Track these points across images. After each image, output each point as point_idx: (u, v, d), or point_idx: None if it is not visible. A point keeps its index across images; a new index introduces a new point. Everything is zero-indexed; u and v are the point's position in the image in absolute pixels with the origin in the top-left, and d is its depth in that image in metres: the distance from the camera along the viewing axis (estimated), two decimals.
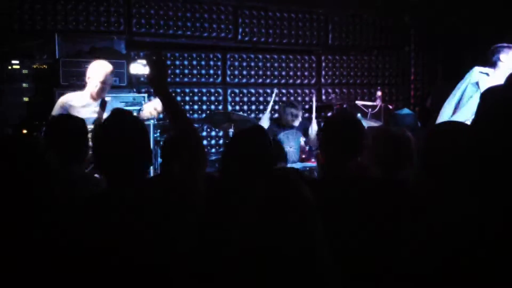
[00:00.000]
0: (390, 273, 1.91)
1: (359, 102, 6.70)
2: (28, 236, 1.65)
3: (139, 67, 4.91)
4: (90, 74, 4.33)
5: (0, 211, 1.65)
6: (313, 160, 6.16)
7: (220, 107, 6.94)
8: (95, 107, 4.17)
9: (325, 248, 1.73)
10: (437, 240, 1.78)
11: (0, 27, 5.44)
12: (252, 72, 7.10)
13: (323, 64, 7.50)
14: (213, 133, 6.92)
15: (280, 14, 7.12)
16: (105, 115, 3.90)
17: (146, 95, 5.79)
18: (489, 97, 2.22)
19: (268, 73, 7.18)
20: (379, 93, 6.52)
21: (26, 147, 1.76)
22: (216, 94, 6.91)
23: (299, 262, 1.64)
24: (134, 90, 5.53)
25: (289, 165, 5.68)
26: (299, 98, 7.35)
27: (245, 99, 7.09)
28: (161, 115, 5.75)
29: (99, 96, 4.29)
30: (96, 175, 3.00)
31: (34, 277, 1.63)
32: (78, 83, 5.23)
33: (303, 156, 6.28)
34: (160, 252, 1.88)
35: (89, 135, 2.97)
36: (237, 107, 7.04)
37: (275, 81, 7.22)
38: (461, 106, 4.45)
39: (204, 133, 6.83)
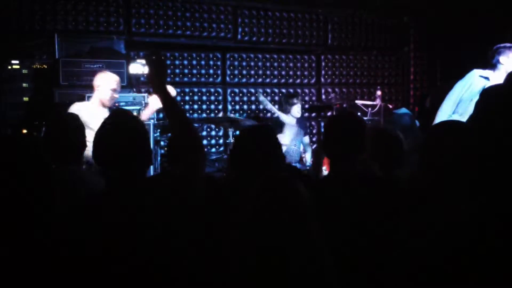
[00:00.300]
0: (391, 272, 1.91)
1: (359, 102, 6.70)
2: (28, 236, 1.65)
3: (139, 67, 4.92)
4: (99, 83, 4.39)
5: (0, 211, 1.65)
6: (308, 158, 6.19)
7: (220, 106, 6.94)
8: (105, 113, 4.15)
9: (323, 247, 1.73)
10: (436, 239, 1.78)
11: (0, 27, 5.44)
12: (252, 72, 7.10)
13: (323, 63, 7.51)
14: (213, 133, 6.92)
15: (279, 14, 7.12)
16: None
17: (146, 94, 5.79)
18: (489, 96, 2.22)
19: (268, 72, 7.18)
20: (378, 93, 6.51)
21: (26, 147, 1.76)
22: (216, 94, 6.92)
23: (298, 262, 1.64)
24: (134, 90, 5.53)
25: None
26: None
27: (245, 98, 7.09)
28: (161, 115, 5.77)
29: (110, 104, 4.39)
30: (96, 175, 3.00)
31: (35, 278, 1.62)
32: (78, 83, 5.25)
33: (302, 156, 6.29)
34: (160, 252, 1.88)
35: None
36: (237, 107, 7.04)
37: (275, 80, 7.23)
38: (461, 108, 4.43)
39: (204, 133, 6.84)
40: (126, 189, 1.97)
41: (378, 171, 2.64)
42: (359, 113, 6.34)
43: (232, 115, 6.58)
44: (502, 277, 1.62)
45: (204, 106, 6.87)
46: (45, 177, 1.75)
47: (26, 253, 1.63)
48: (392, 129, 2.92)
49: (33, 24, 5.66)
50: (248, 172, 2.29)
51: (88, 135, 2.84)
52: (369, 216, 2.22)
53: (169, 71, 6.48)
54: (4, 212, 1.64)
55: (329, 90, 7.55)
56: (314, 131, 7.48)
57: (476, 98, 4.02)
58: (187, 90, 6.75)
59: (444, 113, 4.50)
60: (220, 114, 6.92)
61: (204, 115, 6.84)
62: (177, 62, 6.66)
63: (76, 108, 4.17)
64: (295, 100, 6.08)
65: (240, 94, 7.06)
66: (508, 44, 4.38)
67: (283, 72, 7.28)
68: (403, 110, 5.61)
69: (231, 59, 6.98)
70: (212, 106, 6.90)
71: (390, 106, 6.50)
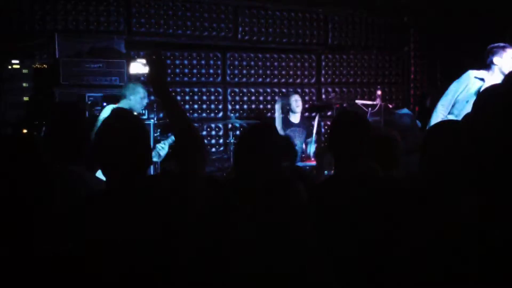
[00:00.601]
0: (392, 272, 1.91)
1: (358, 101, 6.70)
2: (28, 236, 1.65)
3: (139, 67, 4.94)
4: (133, 93, 4.87)
5: (0, 212, 1.65)
6: (313, 159, 6.19)
7: (220, 106, 6.94)
8: None
9: (315, 248, 1.73)
10: (437, 239, 1.79)
11: (0, 27, 5.44)
12: (252, 72, 7.10)
13: (323, 63, 7.51)
14: (213, 133, 6.92)
15: (280, 13, 7.12)
16: None
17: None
18: (487, 96, 2.22)
19: (268, 72, 7.18)
20: (379, 92, 6.52)
21: (26, 146, 1.76)
22: (216, 94, 6.92)
23: (290, 262, 1.65)
24: None
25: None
26: None
27: (245, 98, 7.09)
28: (161, 114, 5.77)
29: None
30: (96, 175, 3.00)
31: (34, 278, 1.63)
32: (78, 83, 5.26)
33: (303, 155, 6.30)
34: (160, 252, 1.88)
35: None
36: (237, 106, 7.04)
37: (275, 80, 7.23)
38: (457, 110, 4.43)
39: (204, 133, 6.84)
40: (126, 189, 1.97)
41: (378, 171, 2.64)
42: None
43: (232, 115, 6.59)
44: (502, 277, 1.62)
45: (204, 106, 6.86)
46: (45, 177, 1.75)
47: (25, 253, 1.63)
48: (391, 129, 2.92)
49: (33, 24, 5.66)
50: (248, 172, 2.29)
51: None
52: (370, 216, 2.22)
53: (169, 70, 6.48)
54: (4, 212, 1.65)
55: (329, 89, 7.54)
56: (315, 131, 7.47)
57: (472, 99, 4.04)
58: (187, 89, 6.75)
59: (439, 114, 4.50)
60: (220, 114, 6.92)
61: (204, 114, 6.84)
62: (177, 62, 6.66)
63: (108, 111, 4.46)
64: (291, 93, 6.16)
65: (240, 94, 7.06)
66: (501, 44, 4.36)
67: (283, 72, 7.27)
68: (405, 110, 5.61)
69: (231, 58, 6.98)
70: (212, 106, 6.90)
71: (390, 106, 6.51)
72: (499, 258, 1.62)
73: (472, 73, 4.48)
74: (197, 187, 2.10)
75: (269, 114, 7.12)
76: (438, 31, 7.37)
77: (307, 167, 5.95)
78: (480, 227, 1.71)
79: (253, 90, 7.12)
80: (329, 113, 7.38)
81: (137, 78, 5.40)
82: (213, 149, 6.87)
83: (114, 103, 4.88)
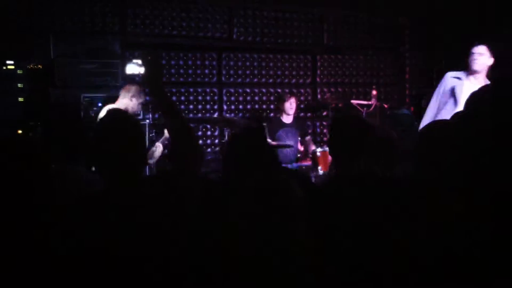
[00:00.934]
0: (392, 271, 1.92)
1: (354, 101, 6.71)
2: (27, 236, 1.65)
3: (135, 67, 4.93)
4: (135, 94, 4.92)
5: (0, 211, 1.65)
6: (309, 159, 6.20)
7: (216, 106, 6.94)
8: None
9: (311, 248, 1.73)
10: (434, 238, 1.79)
11: None
12: (248, 72, 7.09)
13: (319, 63, 7.51)
14: (209, 133, 6.91)
15: (275, 13, 7.12)
16: None
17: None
18: (478, 96, 2.24)
19: (264, 72, 7.18)
20: (374, 93, 6.53)
21: (26, 147, 1.76)
22: (212, 94, 6.91)
23: (284, 262, 1.65)
24: None
25: (286, 165, 5.71)
26: None
27: (241, 98, 7.09)
28: (156, 115, 5.76)
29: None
30: (95, 175, 3.00)
31: (34, 277, 1.62)
32: (73, 84, 5.25)
33: (298, 155, 6.31)
34: (159, 251, 1.88)
35: None
36: (233, 107, 7.04)
37: (271, 80, 7.23)
38: (439, 113, 4.48)
39: (200, 133, 6.83)
40: (123, 189, 1.97)
41: (377, 171, 2.65)
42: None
43: (227, 115, 6.60)
44: (500, 276, 1.63)
45: (200, 106, 6.86)
46: (44, 177, 1.75)
47: (25, 253, 1.63)
48: (390, 130, 2.93)
49: (28, 24, 5.64)
50: (239, 174, 2.29)
51: None
52: (370, 216, 2.23)
53: (164, 71, 6.47)
54: (4, 212, 1.64)
55: (325, 90, 7.55)
56: (310, 131, 7.48)
57: (451, 99, 4.10)
58: (182, 90, 6.74)
59: (427, 118, 4.55)
60: (216, 114, 6.92)
61: (200, 115, 6.83)
62: (172, 62, 6.65)
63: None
64: (285, 97, 6.17)
65: (236, 94, 7.06)
66: (479, 41, 4.42)
67: (279, 72, 7.27)
68: (404, 110, 5.63)
69: (227, 59, 6.97)
70: (208, 106, 6.90)
71: (386, 106, 6.52)
72: (497, 258, 1.63)
73: (449, 74, 4.57)
74: (194, 187, 2.10)
75: (264, 114, 7.12)
76: (434, 31, 7.39)
77: (303, 167, 5.96)
78: (474, 226, 1.72)
79: (248, 90, 7.12)
80: (324, 113, 7.39)
81: (132, 79, 5.39)
82: (209, 150, 6.87)
83: (112, 103, 4.89)
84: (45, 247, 1.68)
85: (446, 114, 4.19)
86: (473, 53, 4.40)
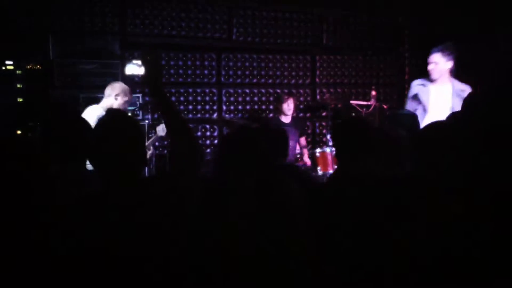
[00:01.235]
0: (393, 271, 1.92)
1: (353, 102, 6.71)
2: (26, 237, 1.65)
3: (134, 68, 4.92)
4: (120, 92, 4.64)
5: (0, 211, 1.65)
6: (306, 159, 6.21)
7: (215, 107, 6.94)
8: None
9: (312, 247, 1.73)
10: (434, 238, 1.79)
11: None
12: (247, 72, 7.10)
13: (318, 64, 7.51)
14: (208, 133, 6.91)
15: (274, 14, 7.12)
16: None
17: (140, 95, 5.79)
18: (476, 97, 2.25)
19: (263, 73, 7.18)
20: (373, 93, 6.53)
21: (25, 147, 1.75)
22: (211, 94, 6.91)
23: (284, 260, 1.65)
24: None
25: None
26: None
27: (240, 99, 7.09)
28: (155, 115, 5.76)
29: None
30: (95, 175, 2.99)
31: (33, 278, 1.62)
32: (73, 84, 5.24)
33: (297, 155, 6.31)
34: (159, 251, 1.88)
35: None
36: (232, 107, 7.04)
37: (270, 81, 7.23)
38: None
39: (199, 133, 6.83)
40: (123, 189, 1.97)
41: (378, 171, 2.65)
42: (353, 114, 6.38)
43: (227, 115, 6.60)
44: (499, 276, 1.63)
45: (199, 107, 6.86)
46: (43, 177, 1.75)
47: (25, 253, 1.63)
48: (393, 129, 2.92)
49: (27, 24, 5.63)
50: (230, 174, 2.28)
51: None
52: (371, 216, 2.23)
53: (163, 71, 6.47)
54: (3, 212, 1.64)
55: (324, 90, 7.55)
56: (309, 131, 7.48)
57: (419, 105, 4.26)
58: (182, 90, 6.74)
59: None
60: (215, 115, 6.92)
61: (199, 115, 6.83)
62: (172, 63, 6.65)
63: (98, 110, 4.41)
64: (283, 98, 6.19)
65: (235, 95, 7.06)
66: (438, 48, 4.62)
67: (278, 73, 7.27)
68: (405, 110, 5.63)
69: (226, 59, 6.97)
70: (207, 107, 6.90)
71: (385, 107, 6.52)
72: (496, 258, 1.63)
73: (415, 82, 4.82)
74: (194, 188, 2.10)
75: (263, 115, 7.12)
76: (434, 31, 7.38)
77: (302, 167, 5.96)
78: (474, 226, 1.72)
79: (247, 91, 7.12)
80: (323, 114, 7.39)
81: (131, 79, 5.38)
82: (208, 150, 6.86)
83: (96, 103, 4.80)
84: (45, 247, 1.68)
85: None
86: (429, 62, 4.63)
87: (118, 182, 1.98)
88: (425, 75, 4.80)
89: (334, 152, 5.42)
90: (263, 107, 7.20)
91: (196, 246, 1.95)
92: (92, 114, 4.29)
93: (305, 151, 6.30)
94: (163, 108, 2.20)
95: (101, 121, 2.09)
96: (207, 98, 6.89)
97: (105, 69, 5.47)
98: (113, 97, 4.62)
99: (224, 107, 6.99)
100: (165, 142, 6.27)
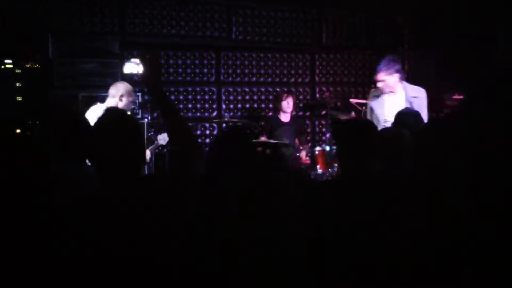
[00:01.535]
0: (393, 271, 1.92)
1: (353, 100, 6.72)
2: (27, 236, 1.65)
3: (133, 67, 4.91)
4: (124, 93, 4.63)
5: (0, 211, 1.65)
6: (304, 158, 6.20)
7: (214, 106, 6.94)
8: None
9: (304, 247, 1.74)
10: (434, 238, 1.80)
11: None
12: (246, 71, 7.10)
13: (317, 62, 7.51)
14: (207, 132, 6.91)
15: (274, 12, 7.11)
16: None
17: (139, 94, 5.78)
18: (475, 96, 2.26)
19: (262, 71, 7.18)
20: None
21: (24, 146, 1.76)
22: (210, 93, 6.91)
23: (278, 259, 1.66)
24: None
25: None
26: None
27: (239, 97, 7.09)
28: (155, 114, 5.76)
29: None
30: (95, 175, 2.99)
31: (33, 277, 1.62)
32: (72, 83, 5.24)
33: (297, 154, 6.30)
34: (159, 251, 1.88)
35: None
36: (231, 106, 7.04)
37: (269, 79, 7.22)
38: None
39: (198, 132, 6.83)
40: (122, 188, 1.97)
41: (379, 171, 2.65)
42: (353, 112, 6.38)
43: (226, 114, 6.60)
44: (499, 275, 1.63)
45: (198, 105, 6.86)
46: (43, 176, 1.75)
47: (25, 252, 1.63)
48: (394, 129, 2.92)
49: (27, 24, 5.63)
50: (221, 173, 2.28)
51: None
52: (371, 216, 2.23)
53: (162, 70, 6.47)
54: (4, 211, 1.64)
55: (324, 89, 7.55)
56: (309, 130, 7.49)
57: (373, 114, 4.35)
58: (181, 89, 6.74)
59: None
60: (215, 114, 6.92)
61: (199, 114, 6.83)
62: (171, 61, 6.65)
63: (99, 110, 4.39)
64: (282, 96, 6.19)
65: (235, 93, 7.06)
66: (378, 67, 4.67)
67: (278, 71, 7.27)
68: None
69: (225, 58, 6.97)
70: (207, 105, 6.90)
71: None
72: (496, 257, 1.63)
73: (371, 92, 4.95)
74: (192, 185, 2.10)
75: (262, 113, 7.12)
76: (433, 30, 7.39)
77: (302, 167, 5.96)
78: (474, 226, 1.72)
79: (247, 89, 7.12)
80: (323, 112, 7.39)
81: (130, 78, 5.38)
82: (207, 149, 6.85)
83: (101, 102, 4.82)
84: (45, 247, 1.68)
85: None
86: (376, 81, 4.71)
87: (117, 182, 1.98)
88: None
89: (334, 151, 5.43)
90: (263, 105, 7.20)
91: (196, 246, 1.95)
92: (95, 114, 4.29)
93: (304, 150, 6.30)
94: (162, 107, 2.20)
95: (100, 120, 2.08)
96: (207, 97, 6.89)
97: (104, 68, 5.47)
98: (118, 98, 4.63)
99: (224, 106, 6.99)
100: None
